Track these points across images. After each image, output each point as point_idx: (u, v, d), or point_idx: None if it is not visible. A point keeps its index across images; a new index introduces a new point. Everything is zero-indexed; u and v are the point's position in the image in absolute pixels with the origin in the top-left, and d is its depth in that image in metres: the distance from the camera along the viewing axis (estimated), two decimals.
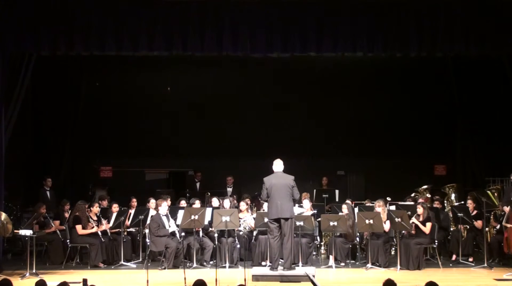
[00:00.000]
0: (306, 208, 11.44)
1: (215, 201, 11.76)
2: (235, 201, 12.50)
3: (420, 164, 14.92)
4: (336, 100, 15.09)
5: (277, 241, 9.73)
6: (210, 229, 11.00)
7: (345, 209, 11.20)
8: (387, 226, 10.85)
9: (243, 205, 11.51)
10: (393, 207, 11.58)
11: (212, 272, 9.17)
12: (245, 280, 8.54)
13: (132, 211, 11.70)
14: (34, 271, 10.04)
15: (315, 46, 10.72)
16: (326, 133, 15.13)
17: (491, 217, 11.57)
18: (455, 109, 14.69)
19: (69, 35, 10.51)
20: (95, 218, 11.17)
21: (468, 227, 11.31)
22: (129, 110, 15.11)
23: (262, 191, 9.97)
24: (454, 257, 11.25)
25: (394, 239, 11.11)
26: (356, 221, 10.90)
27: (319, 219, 11.08)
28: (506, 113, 13.53)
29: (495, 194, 12.35)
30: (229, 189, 14.16)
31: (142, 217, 11.26)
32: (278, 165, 9.99)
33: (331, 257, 10.90)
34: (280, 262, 9.86)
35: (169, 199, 11.60)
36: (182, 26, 10.59)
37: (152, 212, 11.37)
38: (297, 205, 11.34)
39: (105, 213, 11.59)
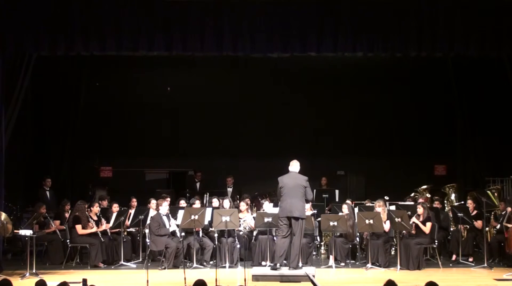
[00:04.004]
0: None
1: (215, 201, 11.76)
2: (237, 201, 12.50)
3: (420, 164, 14.90)
4: (335, 100, 15.09)
5: (284, 239, 9.74)
6: (210, 229, 11.00)
7: (345, 209, 11.20)
8: (387, 226, 10.85)
9: (243, 205, 11.50)
10: (393, 207, 11.58)
11: (212, 272, 9.16)
12: (245, 280, 8.53)
13: (132, 211, 11.70)
14: (34, 271, 10.03)
15: (315, 46, 10.71)
16: (326, 133, 15.14)
17: (491, 217, 11.57)
18: (455, 109, 14.68)
19: (69, 35, 10.49)
20: (95, 218, 11.17)
21: (468, 227, 11.30)
22: (129, 110, 15.10)
23: (277, 190, 10.08)
24: (454, 257, 11.25)
25: (394, 239, 11.11)
26: (356, 221, 10.90)
27: (319, 219, 11.08)
28: (506, 113, 13.51)
29: (495, 194, 12.35)
30: (229, 190, 14.15)
31: (142, 217, 11.26)
32: (293, 165, 10.09)
33: (331, 257, 10.90)
34: (285, 262, 9.87)
35: (168, 198, 11.60)
36: (182, 26, 10.58)
37: (152, 212, 11.37)
38: None
39: (105, 213, 11.58)
